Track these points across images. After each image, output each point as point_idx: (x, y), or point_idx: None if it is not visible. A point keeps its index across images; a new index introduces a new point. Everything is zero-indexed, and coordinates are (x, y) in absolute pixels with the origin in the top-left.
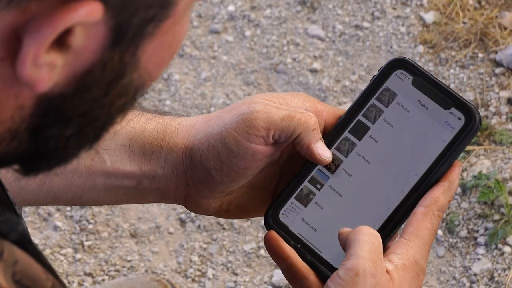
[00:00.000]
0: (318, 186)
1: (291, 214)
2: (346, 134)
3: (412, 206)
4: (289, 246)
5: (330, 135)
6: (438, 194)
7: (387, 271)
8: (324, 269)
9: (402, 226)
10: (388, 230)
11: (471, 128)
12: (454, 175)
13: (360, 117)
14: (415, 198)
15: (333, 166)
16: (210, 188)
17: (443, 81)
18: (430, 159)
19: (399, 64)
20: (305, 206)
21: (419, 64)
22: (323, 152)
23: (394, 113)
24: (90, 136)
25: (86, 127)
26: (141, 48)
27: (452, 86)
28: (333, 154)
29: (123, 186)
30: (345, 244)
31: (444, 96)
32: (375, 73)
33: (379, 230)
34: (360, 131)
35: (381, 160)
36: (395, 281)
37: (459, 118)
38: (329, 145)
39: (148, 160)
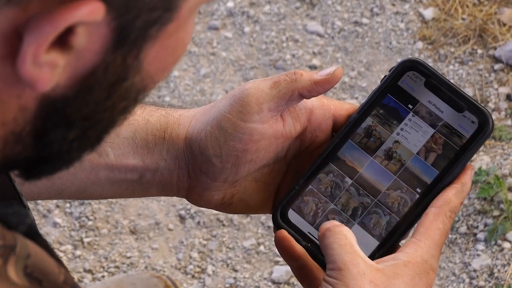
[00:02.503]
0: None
1: (301, 212)
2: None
3: (424, 208)
4: (300, 246)
5: (341, 135)
6: (451, 196)
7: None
8: None
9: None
10: (401, 231)
11: (484, 131)
12: (467, 178)
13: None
14: (428, 199)
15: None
16: (212, 178)
17: None
18: (444, 162)
19: (411, 65)
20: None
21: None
22: (327, 72)
23: None
24: (93, 139)
25: (89, 130)
26: (144, 51)
27: None
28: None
29: (127, 179)
30: (323, 254)
31: (458, 99)
32: (376, 68)
33: (391, 230)
34: None
35: (394, 159)
36: (386, 272)
37: (472, 122)
38: (341, 143)
39: (151, 153)
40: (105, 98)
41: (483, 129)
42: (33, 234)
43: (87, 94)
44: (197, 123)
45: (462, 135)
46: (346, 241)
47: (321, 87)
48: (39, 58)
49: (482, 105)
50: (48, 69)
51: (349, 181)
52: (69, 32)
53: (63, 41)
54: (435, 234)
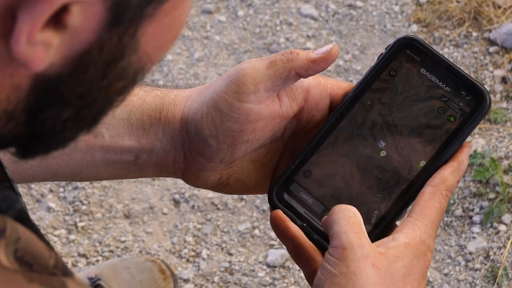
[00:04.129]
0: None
1: (298, 191)
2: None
3: (421, 186)
4: (296, 226)
5: (337, 113)
6: (447, 174)
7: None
8: None
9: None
10: (397, 210)
11: (481, 109)
12: (463, 156)
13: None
14: (424, 178)
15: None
16: (208, 159)
17: None
18: (440, 140)
19: (407, 43)
20: (312, 184)
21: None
22: (323, 50)
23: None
24: (88, 119)
25: (83, 109)
26: (141, 30)
27: None
28: (343, 129)
29: (122, 160)
30: (327, 229)
31: (455, 77)
32: (371, 51)
33: (388, 209)
34: None
35: (390, 138)
36: (389, 256)
37: (469, 99)
38: (337, 122)
39: (146, 133)
40: (101, 77)
41: (480, 106)
42: (24, 219)
43: (81, 73)
44: (192, 103)
45: (459, 113)
46: (356, 220)
47: (318, 66)
48: (33, 37)
49: (479, 82)
50: (42, 48)
51: (346, 159)
52: (63, 10)
53: (57, 20)
54: (432, 213)
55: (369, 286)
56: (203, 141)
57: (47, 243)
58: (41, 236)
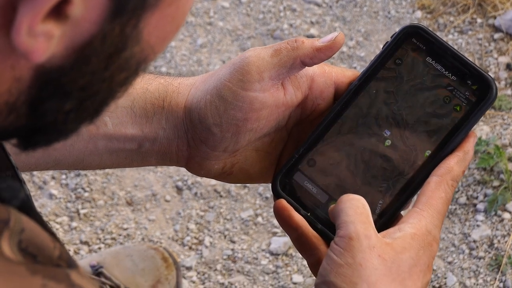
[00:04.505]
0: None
1: (302, 180)
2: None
3: (426, 176)
4: (299, 215)
5: (342, 102)
6: (452, 164)
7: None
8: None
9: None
10: (402, 200)
11: (488, 98)
12: (469, 146)
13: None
14: (429, 168)
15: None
16: (212, 147)
17: None
18: (446, 129)
19: (413, 31)
20: (316, 173)
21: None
22: (328, 38)
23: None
24: (90, 110)
25: (86, 101)
26: (143, 21)
27: None
28: (347, 118)
29: (125, 149)
30: (334, 218)
31: (461, 66)
32: (375, 37)
33: (393, 199)
34: None
35: (395, 128)
36: (395, 247)
37: (475, 88)
38: (342, 110)
39: (150, 122)
40: (103, 69)
41: (487, 95)
42: (27, 209)
43: (83, 64)
44: (196, 92)
45: (465, 102)
46: (364, 210)
47: (323, 54)
48: (34, 28)
49: (486, 71)
50: (43, 40)
51: (351, 148)
52: (65, 1)
53: (59, 11)
54: (438, 203)
55: (374, 277)
56: (206, 130)
57: (51, 233)
58: (45, 226)
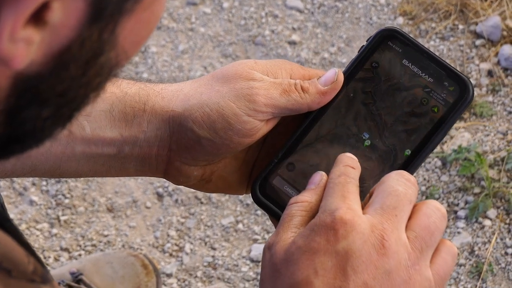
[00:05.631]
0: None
1: (281, 184)
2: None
3: None
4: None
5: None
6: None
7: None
8: None
9: None
10: None
11: (464, 99)
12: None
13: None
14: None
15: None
16: (194, 156)
17: None
18: (425, 130)
19: (389, 34)
20: (295, 177)
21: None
22: (330, 79)
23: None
24: (65, 116)
25: (63, 107)
26: (120, 25)
27: None
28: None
29: (103, 154)
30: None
31: (437, 67)
32: (356, 43)
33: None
34: None
35: (374, 129)
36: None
37: (452, 90)
38: (319, 115)
39: (129, 125)
40: (81, 75)
41: (464, 96)
42: (2, 220)
43: (62, 70)
44: (189, 99)
45: (442, 103)
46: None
47: (329, 96)
48: (15, 34)
49: (462, 72)
50: (23, 46)
51: (330, 149)
52: (44, 7)
53: (38, 17)
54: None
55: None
56: (196, 139)
57: (26, 247)
58: (20, 239)
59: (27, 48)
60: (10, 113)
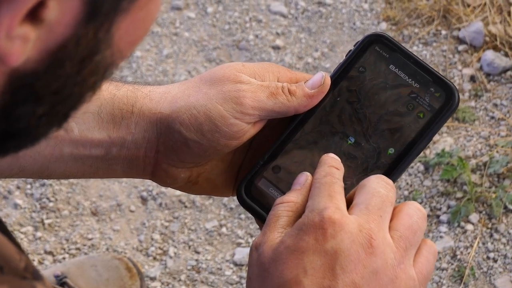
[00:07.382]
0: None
1: (267, 187)
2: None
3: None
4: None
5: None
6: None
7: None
8: None
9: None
10: None
11: (450, 105)
12: None
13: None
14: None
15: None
16: (181, 158)
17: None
18: (410, 136)
19: (376, 39)
20: (281, 179)
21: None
22: (317, 82)
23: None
24: (61, 115)
25: (58, 105)
26: (116, 25)
27: None
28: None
29: (91, 155)
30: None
31: (423, 73)
32: (340, 48)
33: None
34: None
35: (361, 134)
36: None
37: (438, 96)
38: (304, 119)
39: (117, 127)
40: (76, 73)
41: (449, 102)
42: None
43: (57, 68)
44: (176, 101)
45: (428, 109)
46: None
47: (315, 99)
48: (12, 31)
49: (448, 78)
50: (19, 43)
51: (316, 153)
52: (40, 5)
53: (34, 15)
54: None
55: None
56: (183, 141)
57: (17, 245)
58: (10, 237)
59: (23, 45)
60: (4, 110)
